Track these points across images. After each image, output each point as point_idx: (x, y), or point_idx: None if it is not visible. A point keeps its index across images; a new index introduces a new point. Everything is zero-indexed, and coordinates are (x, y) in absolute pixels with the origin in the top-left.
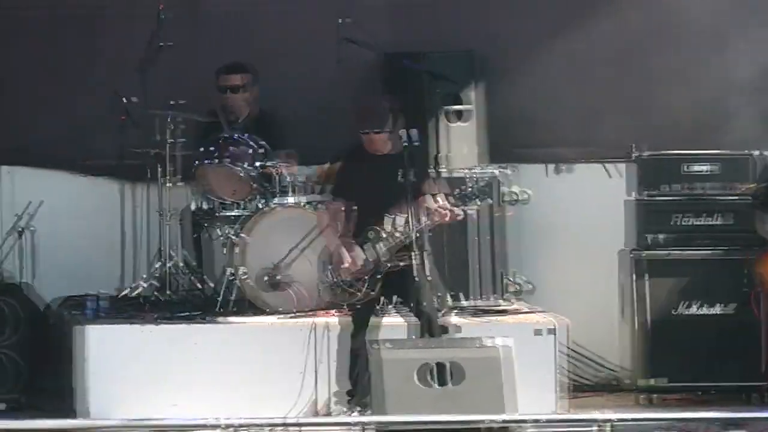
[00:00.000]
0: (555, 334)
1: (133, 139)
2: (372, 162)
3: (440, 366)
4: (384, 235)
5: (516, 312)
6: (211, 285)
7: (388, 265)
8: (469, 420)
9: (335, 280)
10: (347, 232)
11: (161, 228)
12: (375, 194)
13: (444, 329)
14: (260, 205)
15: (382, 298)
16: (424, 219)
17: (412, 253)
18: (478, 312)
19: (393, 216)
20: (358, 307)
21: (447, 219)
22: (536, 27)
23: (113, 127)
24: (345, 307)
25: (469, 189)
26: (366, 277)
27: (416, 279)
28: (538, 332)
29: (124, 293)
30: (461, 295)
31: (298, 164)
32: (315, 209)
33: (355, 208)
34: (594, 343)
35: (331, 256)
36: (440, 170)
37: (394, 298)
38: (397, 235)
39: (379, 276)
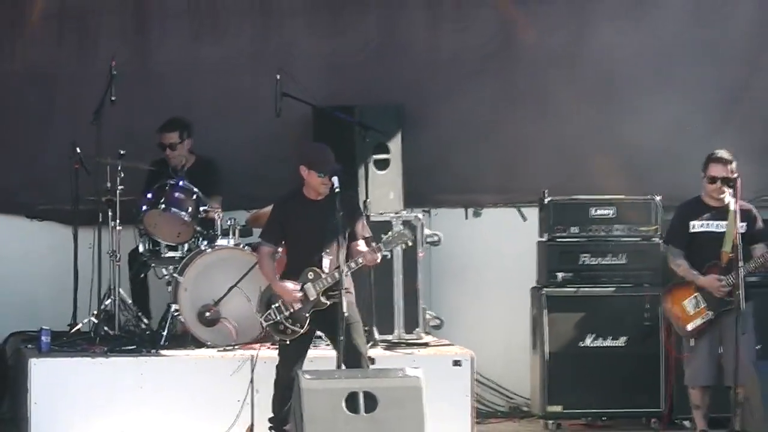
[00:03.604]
0: (472, 365)
1: (86, 186)
2: (311, 206)
3: (366, 394)
4: (323, 276)
5: (426, 345)
6: (146, 321)
7: (327, 303)
8: None
9: (278, 318)
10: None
11: (111, 268)
12: (314, 236)
13: (371, 360)
14: (203, 247)
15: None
16: (360, 260)
17: (343, 291)
18: (397, 345)
19: (331, 257)
20: (287, 342)
21: (375, 264)
22: (457, 83)
23: (68, 175)
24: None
25: (391, 237)
26: (306, 315)
27: (346, 315)
28: (456, 363)
29: (76, 328)
30: (376, 330)
31: (222, 209)
32: (253, 250)
33: (281, 250)
34: (507, 373)
35: (276, 295)
36: (368, 214)
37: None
38: (336, 275)
39: (307, 315)
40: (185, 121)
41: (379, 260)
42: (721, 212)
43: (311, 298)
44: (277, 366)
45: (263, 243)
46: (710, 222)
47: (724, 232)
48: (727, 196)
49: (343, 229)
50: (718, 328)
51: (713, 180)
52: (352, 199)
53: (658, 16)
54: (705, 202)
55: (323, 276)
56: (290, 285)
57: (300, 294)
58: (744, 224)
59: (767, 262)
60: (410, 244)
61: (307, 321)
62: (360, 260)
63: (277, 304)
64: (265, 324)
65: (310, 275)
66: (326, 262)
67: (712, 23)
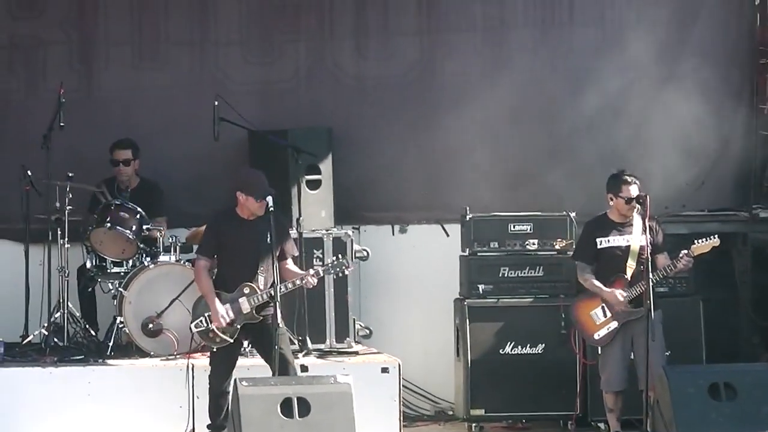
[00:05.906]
0: (399, 372)
1: (37, 207)
2: (244, 224)
3: (299, 400)
4: (258, 292)
5: (356, 354)
6: (93, 332)
7: (259, 318)
8: None
9: (209, 326)
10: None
11: (60, 283)
12: (248, 254)
13: (304, 368)
14: (146, 262)
15: (245, 343)
16: (298, 282)
17: (278, 305)
18: (328, 353)
19: (265, 275)
20: (215, 350)
21: (312, 286)
22: (382, 107)
23: (19, 197)
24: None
25: (331, 264)
26: (237, 326)
27: (279, 326)
28: (384, 370)
29: (28, 340)
30: (309, 339)
31: (167, 228)
32: (193, 266)
33: (217, 264)
34: (432, 379)
35: (208, 306)
36: (301, 231)
37: (245, 343)
38: (272, 292)
39: (238, 326)
40: (136, 142)
41: (315, 283)
42: (626, 227)
43: (245, 312)
44: (209, 376)
45: (200, 257)
46: (616, 237)
47: (629, 246)
48: (634, 213)
49: (276, 248)
50: (630, 335)
51: (629, 200)
52: (282, 219)
53: (567, 43)
54: (610, 219)
55: (259, 292)
56: (222, 310)
57: (228, 321)
58: (648, 237)
59: (670, 273)
60: (347, 273)
61: (237, 332)
62: (298, 282)
63: (208, 313)
64: (194, 330)
65: (246, 290)
66: (261, 279)
67: (617, 51)
